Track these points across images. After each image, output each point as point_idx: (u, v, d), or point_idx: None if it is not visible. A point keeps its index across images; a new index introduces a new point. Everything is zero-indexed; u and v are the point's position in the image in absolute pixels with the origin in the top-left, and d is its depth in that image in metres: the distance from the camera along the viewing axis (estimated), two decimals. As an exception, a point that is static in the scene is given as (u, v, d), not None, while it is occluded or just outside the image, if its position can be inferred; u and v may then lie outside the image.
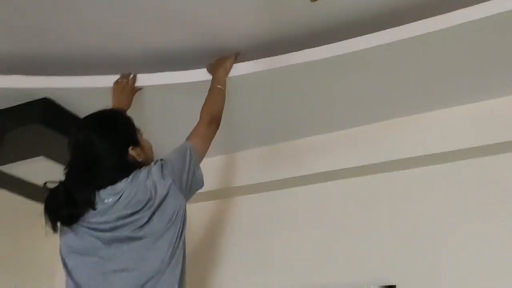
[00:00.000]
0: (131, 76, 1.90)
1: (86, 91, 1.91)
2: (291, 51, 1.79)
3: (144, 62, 1.95)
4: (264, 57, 1.84)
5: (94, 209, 1.37)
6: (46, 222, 1.37)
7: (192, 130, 1.64)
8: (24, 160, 2.23)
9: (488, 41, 1.65)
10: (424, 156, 2.01)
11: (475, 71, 1.81)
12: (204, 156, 1.61)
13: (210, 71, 1.84)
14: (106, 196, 1.38)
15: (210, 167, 2.36)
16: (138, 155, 1.49)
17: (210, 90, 1.77)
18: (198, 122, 1.67)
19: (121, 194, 1.38)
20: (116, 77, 1.92)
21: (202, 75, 1.87)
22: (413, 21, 1.62)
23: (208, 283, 2.36)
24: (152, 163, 1.47)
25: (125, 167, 1.44)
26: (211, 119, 1.67)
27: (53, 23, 1.76)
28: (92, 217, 1.37)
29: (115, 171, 1.42)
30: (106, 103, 1.97)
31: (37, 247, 2.63)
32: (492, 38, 1.63)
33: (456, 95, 1.95)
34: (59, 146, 2.02)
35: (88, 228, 1.37)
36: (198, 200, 2.40)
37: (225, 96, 1.78)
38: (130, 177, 1.41)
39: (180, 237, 1.41)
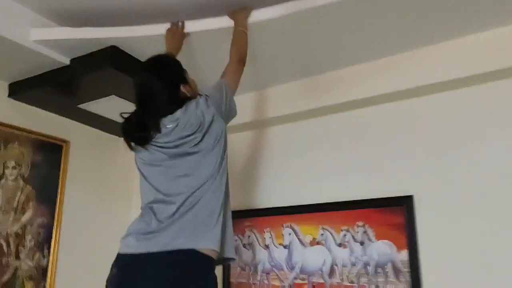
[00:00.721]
0: (180, 23, 2.17)
1: (145, 39, 2.20)
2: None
3: (190, 11, 2.19)
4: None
5: (159, 132, 1.75)
6: (124, 143, 1.82)
7: (225, 69, 1.99)
8: (98, 99, 2.62)
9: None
10: (446, 82, 2.21)
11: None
12: (236, 89, 1.97)
13: (232, 17, 2.10)
14: (167, 123, 1.76)
15: (247, 101, 2.71)
16: (188, 91, 1.85)
17: (234, 33, 2.05)
18: (229, 62, 2.00)
19: (178, 121, 1.76)
20: (167, 25, 2.18)
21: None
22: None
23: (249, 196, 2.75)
24: (198, 97, 1.85)
25: (179, 101, 1.81)
26: (239, 58, 2.00)
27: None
28: (158, 138, 1.76)
29: (171, 104, 1.79)
30: (162, 48, 2.29)
31: (113, 168, 3.10)
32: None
33: (474, 22, 2.08)
34: (126, 86, 2.38)
35: (156, 146, 1.77)
36: (238, 130, 2.77)
37: (247, 37, 2.05)
38: (183, 108, 1.79)
39: (225, 151, 1.83)
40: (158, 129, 1.75)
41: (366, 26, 2.12)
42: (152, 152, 1.78)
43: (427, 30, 2.15)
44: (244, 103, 2.62)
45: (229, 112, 1.89)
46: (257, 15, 2.07)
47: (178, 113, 1.77)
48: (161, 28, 2.18)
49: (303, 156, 2.65)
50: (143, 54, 2.31)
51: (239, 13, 2.08)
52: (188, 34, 2.19)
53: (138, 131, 1.76)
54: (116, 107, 2.67)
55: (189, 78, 1.91)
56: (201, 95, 1.85)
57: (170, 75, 1.83)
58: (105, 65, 2.27)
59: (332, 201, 2.46)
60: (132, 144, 1.81)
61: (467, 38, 2.16)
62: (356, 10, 1.99)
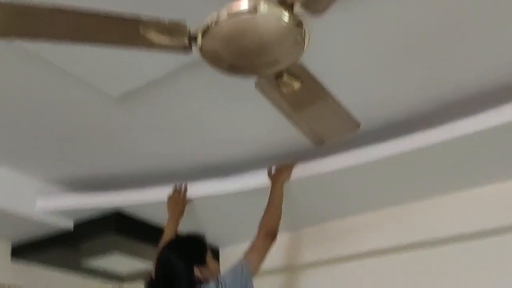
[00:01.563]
0: (182, 189, 2.21)
1: (150, 203, 2.26)
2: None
3: (195, 173, 2.28)
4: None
5: None
6: None
7: (250, 244, 1.85)
8: (101, 256, 2.63)
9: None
10: (454, 236, 2.19)
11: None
12: (259, 267, 1.81)
13: (270, 177, 2.06)
14: None
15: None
16: (203, 273, 1.73)
17: (268, 202, 1.97)
18: (256, 235, 1.87)
19: None
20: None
21: (254, 181, 2.13)
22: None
23: None
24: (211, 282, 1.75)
25: (191, 283, 1.72)
26: (267, 232, 1.87)
27: (117, 154, 2.14)
28: None
29: (182, 284, 1.71)
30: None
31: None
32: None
33: (490, 175, 2.10)
34: (130, 245, 2.42)
35: None
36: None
37: (281, 208, 1.96)
38: None
39: None
40: None
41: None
42: None
43: (433, 182, 2.18)
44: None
45: None
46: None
47: None
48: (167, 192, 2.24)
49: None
50: (148, 217, 2.39)
51: (276, 181, 2.03)
52: (191, 200, 2.23)
53: None
54: (118, 260, 2.69)
55: (211, 261, 1.80)
56: (217, 277, 1.74)
57: (187, 255, 1.75)
58: (110, 231, 2.30)
59: None
60: None
61: (474, 192, 2.18)
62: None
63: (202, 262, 1.77)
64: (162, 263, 1.78)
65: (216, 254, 2.83)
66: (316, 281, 2.60)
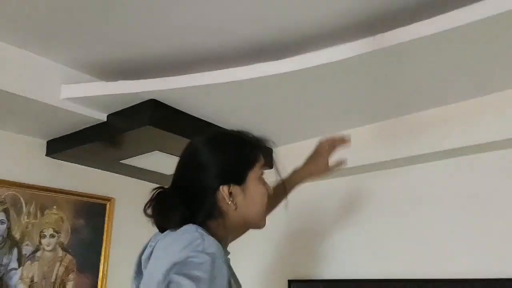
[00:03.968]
0: (336, 139, 1.66)
1: (188, 90, 1.88)
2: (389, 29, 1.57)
3: (241, 56, 1.85)
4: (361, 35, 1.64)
5: None
6: None
7: None
8: (142, 155, 2.33)
9: None
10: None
11: None
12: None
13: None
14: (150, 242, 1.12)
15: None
16: (228, 199, 1.09)
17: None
18: None
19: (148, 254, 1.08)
20: (220, 72, 1.83)
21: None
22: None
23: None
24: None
25: (202, 211, 1.08)
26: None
27: (150, 29, 1.73)
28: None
29: (181, 210, 1.07)
30: (208, 98, 1.96)
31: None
32: None
33: None
34: (171, 142, 2.09)
35: None
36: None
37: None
38: (180, 231, 1.03)
39: None
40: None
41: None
42: None
43: None
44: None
45: None
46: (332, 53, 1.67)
47: (167, 238, 1.05)
48: (207, 78, 1.85)
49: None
50: (187, 106, 2.02)
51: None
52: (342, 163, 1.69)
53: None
54: (161, 161, 2.40)
55: (256, 183, 1.14)
56: None
57: (221, 159, 1.12)
58: (144, 123, 1.96)
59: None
60: None
61: None
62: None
63: (238, 177, 1.12)
64: (185, 154, 1.17)
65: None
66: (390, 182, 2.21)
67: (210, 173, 1.09)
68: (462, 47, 1.58)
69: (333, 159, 1.68)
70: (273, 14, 1.64)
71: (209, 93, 1.91)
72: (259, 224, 1.16)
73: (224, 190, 1.08)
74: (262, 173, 1.17)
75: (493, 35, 1.50)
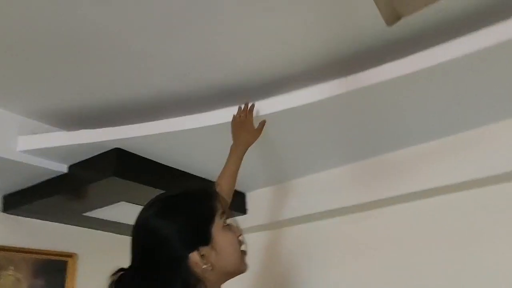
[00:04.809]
0: (251, 106, 1.72)
1: (155, 137, 1.79)
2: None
3: (210, 100, 1.79)
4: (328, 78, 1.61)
5: None
6: None
7: None
8: (107, 206, 2.20)
9: None
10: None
11: None
12: None
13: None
14: None
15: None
16: (204, 263, 1.01)
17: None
18: None
19: None
20: (180, 119, 1.77)
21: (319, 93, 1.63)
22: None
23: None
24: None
25: (178, 278, 0.98)
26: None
27: (116, 73, 1.65)
28: None
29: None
30: (176, 146, 1.88)
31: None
32: None
33: None
34: (138, 192, 1.98)
35: None
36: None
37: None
38: None
39: None
40: None
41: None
42: None
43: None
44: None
45: None
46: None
47: None
48: (174, 124, 1.77)
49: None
50: (154, 154, 1.93)
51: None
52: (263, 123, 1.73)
53: None
54: (128, 211, 2.26)
55: (221, 232, 1.06)
56: None
57: (180, 227, 1.02)
58: (109, 173, 1.85)
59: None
60: None
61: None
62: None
63: (203, 238, 1.03)
64: (140, 234, 1.05)
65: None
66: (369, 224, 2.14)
67: (174, 245, 1.01)
68: (434, 86, 1.56)
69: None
70: (242, 57, 1.60)
71: (177, 139, 1.82)
72: (241, 270, 1.09)
73: (194, 256, 1.00)
74: (224, 221, 1.08)
75: (465, 74, 1.49)
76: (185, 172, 2.10)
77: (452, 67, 1.43)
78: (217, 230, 1.04)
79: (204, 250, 1.01)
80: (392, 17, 1.02)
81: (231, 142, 1.69)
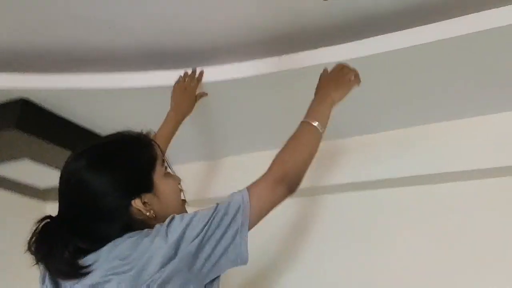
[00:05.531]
0: (195, 74, 1.60)
1: (67, 92, 1.64)
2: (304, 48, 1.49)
3: (135, 60, 1.65)
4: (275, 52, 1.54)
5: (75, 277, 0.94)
6: None
7: (254, 182, 1.05)
8: (10, 162, 2.01)
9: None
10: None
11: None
12: (259, 217, 1.03)
13: (318, 86, 1.28)
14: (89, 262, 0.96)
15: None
16: (145, 209, 0.99)
17: (301, 123, 1.18)
18: (266, 171, 1.07)
19: (102, 269, 0.94)
20: (105, 76, 1.63)
21: (266, 66, 1.53)
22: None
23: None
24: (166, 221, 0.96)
25: (122, 226, 0.98)
26: (283, 175, 1.06)
27: (38, 15, 1.46)
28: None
29: (106, 230, 0.98)
30: (94, 106, 1.73)
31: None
32: None
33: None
34: (42, 149, 1.82)
35: None
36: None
37: (318, 141, 1.16)
38: (126, 242, 0.95)
39: None
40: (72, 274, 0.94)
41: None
42: None
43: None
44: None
45: (221, 258, 0.95)
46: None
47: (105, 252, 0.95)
48: (88, 80, 1.62)
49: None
50: (64, 109, 1.76)
51: (333, 88, 1.24)
52: (205, 94, 1.64)
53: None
54: (31, 171, 2.09)
55: (162, 179, 1.04)
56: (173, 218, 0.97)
57: (118, 177, 0.99)
58: (11, 125, 1.67)
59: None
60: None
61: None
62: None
63: (146, 185, 1.01)
64: (71, 188, 1.00)
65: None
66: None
67: (114, 194, 0.98)
68: (370, 79, 1.52)
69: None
70: (178, 17, 1.47)
71: (95, 97, 1.68)
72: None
73: (137, 203, 0.99)
74: (165, 168, 1.08)
75: (408, 66, 1.46)
76: (97, 133, 1.94)
77: (389, 58, 1.39)
78: (158, 177, 1.03)
79: (147, 197, 1.00)
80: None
81: (156, 108, 1.56)
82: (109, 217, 0.98)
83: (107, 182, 0.98)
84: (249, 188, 1.03)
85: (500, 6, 1.25)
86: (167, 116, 1.55)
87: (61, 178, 1.02)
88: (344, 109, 1.30)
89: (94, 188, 0.97)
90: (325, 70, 1.31)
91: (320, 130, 1.15)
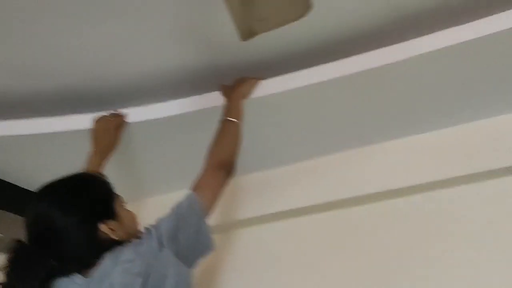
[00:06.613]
0: (117, 112, 1.61)
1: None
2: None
3: (61, 103, 1.65)
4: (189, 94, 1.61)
5: None
6: None
7: (196, 180, 1.30)
8: None
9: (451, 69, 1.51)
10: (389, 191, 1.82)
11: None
12: (211, 207, 1.27)
13: (224, 95, 1.51)
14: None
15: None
16: (112, 232, 1.15)
17: (219, 122, 1.42)
18: (203, 167, 1.32)
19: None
20: (24, 122, 1.60)
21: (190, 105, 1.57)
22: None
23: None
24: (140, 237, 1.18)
25: (97, 248, 1.13)
26: (219, 162, 1.32)
27: None
28: None
29: (84, 254, 1.13)
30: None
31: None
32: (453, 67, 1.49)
33: (419, 123, 1.77)
34: None
35: None
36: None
37: (239, 129, 1.41)
38: (105, 262, 1.11)
39: None
40: None
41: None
42: None
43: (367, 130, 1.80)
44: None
45: (195, 247, 1.20)
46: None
47: (96, 272, 1.10)
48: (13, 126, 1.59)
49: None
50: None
51: (236, 91, 1.47)
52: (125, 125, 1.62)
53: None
54: None
55: (122, 209, 1.23)
56: (147, 229, 1.19)
57: (83, 207, 1.14)
58: None
59: None
60: None
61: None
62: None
63: (109, 213, 1.18)
64: (37, 223, 1.13)
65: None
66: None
67: (82, 225, 1.12)
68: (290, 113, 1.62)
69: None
70: (101, 61, 1.50)
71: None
72: None
73: (103, 228, 1.14)
74: (121, 200, 1.25)
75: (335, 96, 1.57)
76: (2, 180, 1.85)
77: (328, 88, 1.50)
78: (118, 207, 1.20)
79: (112, 224, 1.16)
80: (247, 33, 1.04)
81: (77, 152, 1.56)
82: (82, 242, 1.12)
83: (75, 215, 1.11)
84: (194, 186, 1.27)
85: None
86: (88, 157, 1.55)
87: (28, 218, 1.13)
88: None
89: (63, 224, 1.10)
90: (223, 86, 1.52)
91: (237, 120, 1.41)
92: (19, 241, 1.10)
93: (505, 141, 1.70)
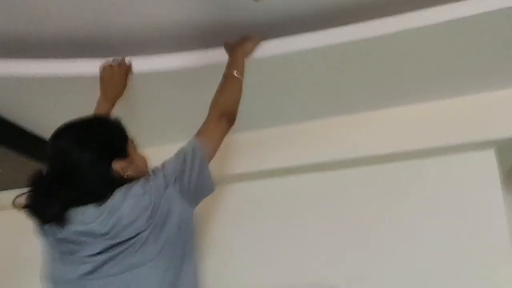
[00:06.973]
0: (123, 60, 1.65)
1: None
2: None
3: (69, 48, 1.68)
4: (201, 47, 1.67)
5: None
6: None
7: (200, 128, 1.40)
8: None
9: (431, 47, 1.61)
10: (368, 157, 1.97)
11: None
12: (213, 154, 1.38)
13: (228, 51, 1.60)
14: (88, 218, 1.19)
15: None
16: (124, 169, 1.24)
17: (223, 76, 1.51)
18: (207, 116, 1.42)
19: (105, 218, 1.19)
20: (35, 63, 1.64)
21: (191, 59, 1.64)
22: (358, 21, 1.54)
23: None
24: (148, 176, 1.27)
25: (110, 184, 1.22)
26: (222, 112, 1.43)
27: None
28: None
29: (97, 188, 1.21)
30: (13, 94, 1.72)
31: None
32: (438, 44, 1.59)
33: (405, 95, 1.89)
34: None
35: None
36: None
37: (242, 84, 1.51)
38: (117, 196, 1.20)
39: (188, 254, 1.29)
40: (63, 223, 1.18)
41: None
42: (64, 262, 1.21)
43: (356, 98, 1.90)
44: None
45: (197, 188, 1.29)
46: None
47: (108, 204, 1.19)
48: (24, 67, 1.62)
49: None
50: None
51: (240, 48, 1.57)
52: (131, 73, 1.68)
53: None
54: None
55: (135, 152, 1.32)
56: (155, 170, 1.28)
57: (99, 145, 1.24)
58: None
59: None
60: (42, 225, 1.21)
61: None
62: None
63: (120, 152, 1.26)
64: (57, 157, 1.23)
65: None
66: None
67: (99, 163, 1.22)
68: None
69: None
70: (109, 8, 1.53)
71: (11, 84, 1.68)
72: None
73: (116, 166, 1.23)
74: (135, 144, 1.34)
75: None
76: (12, 124, 1.89)
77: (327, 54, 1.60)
78: (131, 149, 1.30)
79: (124, 163, 1.25)
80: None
81: (86, 97, 1.62)
82: (96, 177, 1.21)
83: (91, 152, 1.21)
84: (198, 134, 1.38)
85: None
86: (97, 104, 1.61)
87: (48, 153, 1.23)
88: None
89: (80, 159, 1.20)
90: (227, 43, 1.61)
91: (240, 76, 1.51)
92: (40, 172, 1.19)
93: (486, 116, 1.85)
